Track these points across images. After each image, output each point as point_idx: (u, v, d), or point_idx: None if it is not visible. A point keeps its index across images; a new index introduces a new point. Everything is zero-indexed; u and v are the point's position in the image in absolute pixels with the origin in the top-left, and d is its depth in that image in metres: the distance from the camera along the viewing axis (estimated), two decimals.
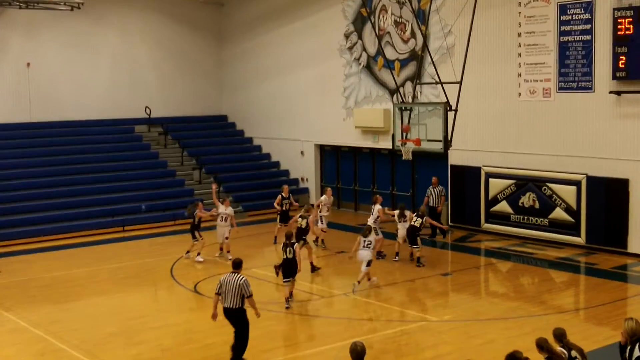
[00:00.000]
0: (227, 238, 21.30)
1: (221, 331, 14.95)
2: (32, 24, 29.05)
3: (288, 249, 16.43)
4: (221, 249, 21.59)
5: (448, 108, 19.41)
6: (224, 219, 21.33)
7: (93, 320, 15.97)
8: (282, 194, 23.52)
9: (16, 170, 27.21)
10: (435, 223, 22.10)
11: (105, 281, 19.27)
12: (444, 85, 20.30)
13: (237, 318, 12.75)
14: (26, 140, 28.93)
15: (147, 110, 31.56)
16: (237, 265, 13.05)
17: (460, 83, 19.63)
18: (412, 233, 20.01)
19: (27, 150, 28.44)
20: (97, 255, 22.13)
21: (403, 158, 20.66)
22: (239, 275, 12.76)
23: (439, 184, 23.83)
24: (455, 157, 24.09)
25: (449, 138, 19.37)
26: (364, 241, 17.54)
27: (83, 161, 28.70)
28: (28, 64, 29.44)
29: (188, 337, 14.78)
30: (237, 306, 12.63)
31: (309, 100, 29.86)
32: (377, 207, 21.07)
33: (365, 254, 17.53)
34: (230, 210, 21.58)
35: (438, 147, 19.63)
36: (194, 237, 21.19)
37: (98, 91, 31.00)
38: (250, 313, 12.99)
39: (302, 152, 30.41)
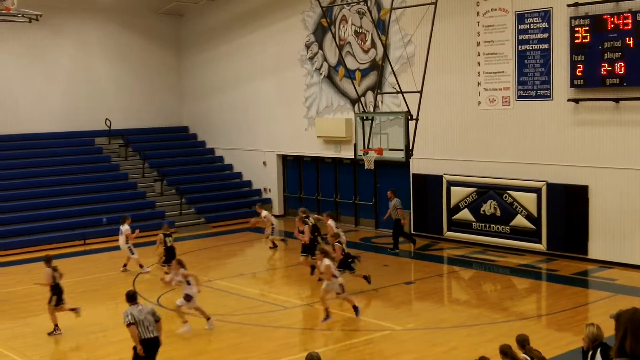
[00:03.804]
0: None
1: (184, 344, 14.86)
2: None
3: None
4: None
5: (409, 117, 19.50)
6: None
7: (54, 335, 15.72)
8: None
9: None
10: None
11: (66, 295, 18.95)
12: (404, 94, 20.39)
13: (157, 346, 12.38)
14: None
15: (107, 122, 31.29)
16: (134, 297, 12.60)
17: (420, 92, 19.73)
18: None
19: None
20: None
21: (365, 167, 20.72)
22: (143, 305, 12.58)
23: (394, 196, 23.15)
24: (417, 166, 24.20)
25: (411, 147, 19.46)
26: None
27: (42, 174, 28.32)
28: None
29: None
30: (158, 334, 12.36)
31: (271, 110, 29.82)
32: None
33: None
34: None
35: (400, 156, 19.71)
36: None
37: (57, 103, 30.68)
38: None
39: (264, 163, 30.34)
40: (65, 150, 30.17)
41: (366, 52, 26.06)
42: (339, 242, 18.25)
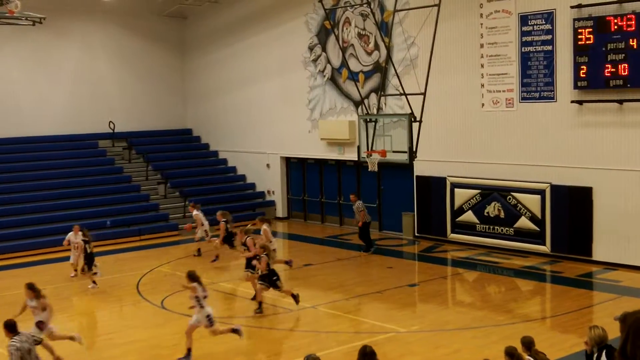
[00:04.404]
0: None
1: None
2: None
3: None
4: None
5: (412, 119, 19.52)
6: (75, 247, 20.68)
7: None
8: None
9: None
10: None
11: (71, 298, 19.02)
12: (408, 96, 20.40)
13: None
14: None
15: (111, 125, 31.33)
16: (15, 326, 11.17)
17: (424, 94, 19.74)
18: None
19: None
20: (61, 272, 21.79)
21: (369, 169, 20.76)
22: (23, 332, 11.29)
23: (356, 199, 23.43)
24: (421, 168, 24.18)
25: (414, 149, 19.46)
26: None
27: (46, 177, 28.37)
28: None
29: (155, 353, 14.63)
30: None
31: (274, 112, 29.82)
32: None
33: None
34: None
35: (403, 158, 19.73)
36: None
37: (60, 106, 30.70)
38: None
39: (268, 165, 30.34)
40: (69, 153, 30.19)
41: (369, 54, 26.07)
42: (267, 254, 17.11)
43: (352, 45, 26.53)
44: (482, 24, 22.59)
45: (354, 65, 26.20)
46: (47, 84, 30.45)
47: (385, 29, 24.88)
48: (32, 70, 30.12)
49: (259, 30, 30.12)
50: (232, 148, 32.12)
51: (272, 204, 30.24)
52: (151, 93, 33.05)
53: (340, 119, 27.09)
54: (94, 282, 19.74)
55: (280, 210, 30.06)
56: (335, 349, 14.18)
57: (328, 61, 27.54)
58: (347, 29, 26.73)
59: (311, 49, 28.10)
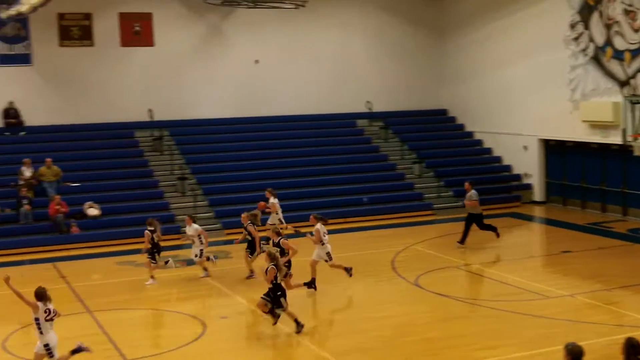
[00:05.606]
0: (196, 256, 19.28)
1: (441, 326, 14.95)
2: (259, 22, 30.43)
3: None
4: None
5: None
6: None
7: (311, 308, 16.46)
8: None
9: (243, 162, 28.79)
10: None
11: (327, 271, 19.72)
12: None
13: None
14: (253, 134, 30.47)
15: (369, 105, 32.12)
16: None
17: None
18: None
19: (253, 143, 29.95)
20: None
21: (634, 154, 19.67)
22: None
23: (472, 188, 21.98)
24: None
25: None
26: None
27: (305, 154, 29.73)
28: (257, 61, 30.91)
29: (408, 330, 14.85)
30: None
31: (532, 93, 28.93)
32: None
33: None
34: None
35: None
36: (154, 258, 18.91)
37: (320, 86, 31.89)
38: None
39: (525, 147, 29.57)
40: (328, 131, 31.37)
41: (636, 31, 24.54)
42: (275, 265, 14.42)
43: (618, 22, 25.10)
44: None
45: (619, 44, 24.83)
46: (308, 65, 31.71)
47: None
48: (295, 53, 31.52)
49: (516, 8, 29.37)
50: (487, 129, 31.67)
51: (529, 187, 29.51)
52: (407, 74, 33.38)
53: (603, 100, 25.73)
54: (152, 277, 18.84)
55: (538, 194, 29.25)
56: (594, 340, 13.59)
57: (591, 39, 26.25)
58: (612, 5, 25.32)
59: (572, 26, 26.92)
